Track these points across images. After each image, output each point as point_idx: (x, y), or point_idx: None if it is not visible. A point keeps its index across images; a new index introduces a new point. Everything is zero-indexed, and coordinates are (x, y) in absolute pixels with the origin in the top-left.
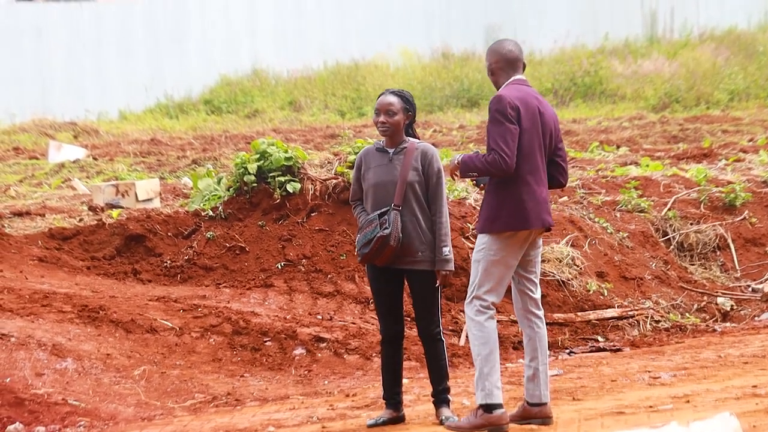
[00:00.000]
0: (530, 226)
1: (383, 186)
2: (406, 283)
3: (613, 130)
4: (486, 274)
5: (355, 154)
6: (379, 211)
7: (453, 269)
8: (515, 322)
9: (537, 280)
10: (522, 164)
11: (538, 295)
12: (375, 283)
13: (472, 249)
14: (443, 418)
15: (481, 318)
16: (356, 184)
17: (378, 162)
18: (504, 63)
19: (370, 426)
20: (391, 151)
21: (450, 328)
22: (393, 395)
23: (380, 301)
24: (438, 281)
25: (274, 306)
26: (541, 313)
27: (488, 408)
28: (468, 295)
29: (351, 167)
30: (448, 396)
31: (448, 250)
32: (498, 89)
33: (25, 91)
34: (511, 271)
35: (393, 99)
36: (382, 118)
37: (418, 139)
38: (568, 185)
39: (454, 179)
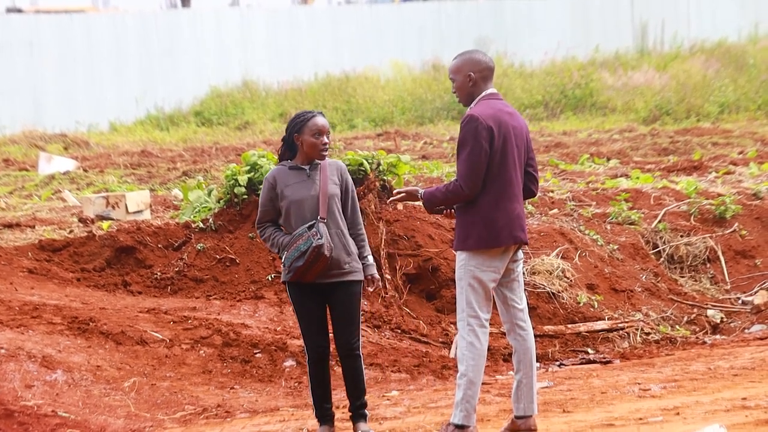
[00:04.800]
0: (501, 243)
1: (305, 201)
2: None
3: (604, 142)
4: (471, 290)
5: (349, 165)
6: (305, 225)
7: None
8: (505, 333)
9: (521, 292)
10: (493, 183)
11: (523, 306)
12: (301, 301)
13: None
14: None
15: (474, 338)
16: (269, 204)
17: (295, 179)
18: (487, 72)
19: None
20: (306, 167)
21: (440, 340)
22: (325, 411)
23: (309, 320)
24: (370, 286)
25: (264, 318)
26: (527, 324)
27: (462, 426)
28: (458, 315)
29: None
30: (366, 411)
31: (371, 258)
32: (469, 102)
33: (15, 103)
34: (494, 284)
35: (325, 120)
36: (325, 140)
37: None
38: (558, 197)
39: (397, 205)
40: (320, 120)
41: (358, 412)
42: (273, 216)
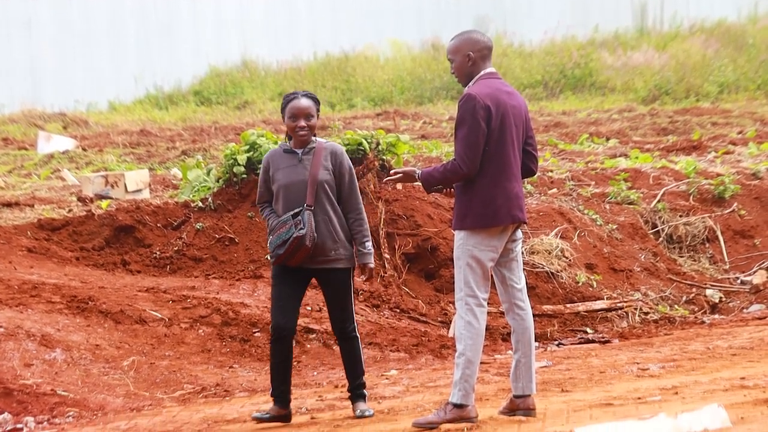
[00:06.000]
0: (499, 222)
1: (294, 187)
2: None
3: (603, 122)
4: (469, 270)
5: (345, 145)
6: (291, 212)
7: (374, 263)
8: (504, 313)
9: (520, 271)
10: (491, 162)
11: (522, 285)
12: (280, 281)
13: None
14: (359, 411)
15: (472, 317)
16: (264, 186)
17: (287, 163)
18: (486, 51)
19: (255, 419)
20: (299, 151)
21: (439, 319)
22: (282, 392)
23: (278, 301)
24: (364, 275)
25: (263, 297)
26: (525, 304)
27: (460, 406)
28: (456, 294)
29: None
30: (365, 391)
31: (369, 245)
32: (468, 81)
33: (14, 82)
34: (492, 263)
35: (308, 102)
36: (302, 123)
37: (323, 139)
38: (557, 177)
39: (395, 184)
40: (298, 102)
41: (356, 392)
42: (268, 197)
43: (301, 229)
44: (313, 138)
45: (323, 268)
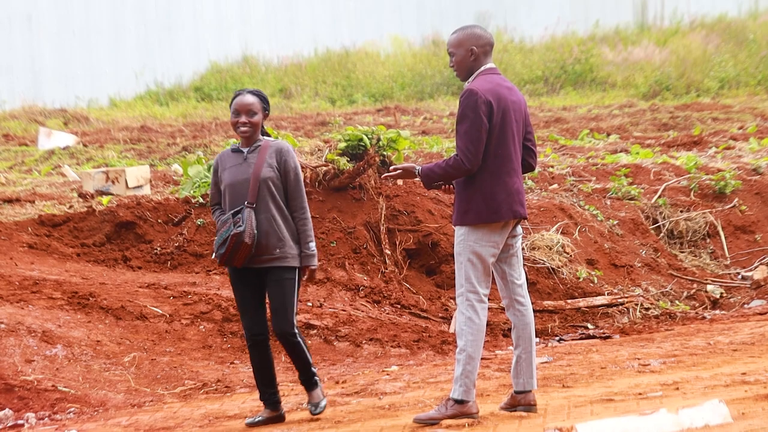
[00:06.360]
0: (501, 217)
1: (238, 185)
2: None
3: (604, 117)
4: (470, 266)
5: (346, 141)
6: (233, 210)
7: (317, 265)
8: (504, 309)
9: (520, 267)
10: (492, 158)
11: (522, 281)
12: (236, 285)
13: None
14: (312, 406)
15: (473, 313)
16: (214, 187)
17: (233, 162)
18: (488, 47)
19: (249, 424)
20: (245, 150)
21: (440, 315)
22: (269, 395)
23: (242, 303)
24: (305, 277)
25: None
26: (526, 300)
27: (461, 401)
28: (457, 290)
29: (341, 154)
30: (316, 378)
31: (313, 246)
32: (467, 76)
33: (15, 78)
34: (493, 259)
35: (253, 99)
36: (243, 119)
37: (272, 138)
38: (558, 173)
39: (395, 180)
40: (242, 99)
41: (308, 383)
42: (218, 199)
43: (239, 226)
44: (261, 137)
45: (267, 267)
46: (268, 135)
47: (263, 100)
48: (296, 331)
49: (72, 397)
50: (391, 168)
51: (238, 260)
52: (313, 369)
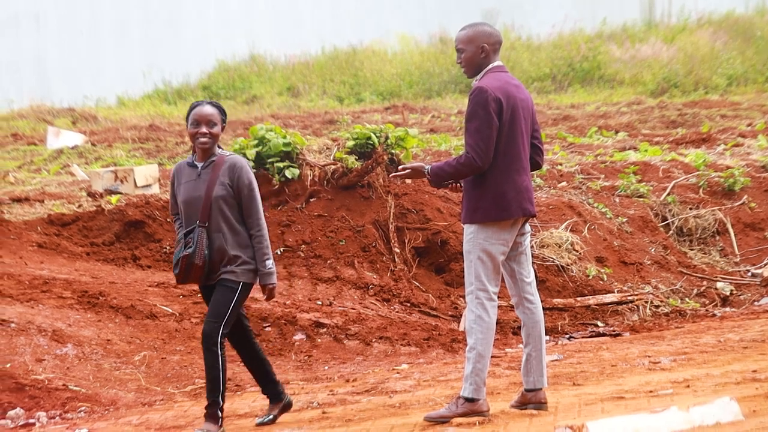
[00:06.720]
0: (510, 215)
1: (192, 202)
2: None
3: (612, 115)
4: (480, 264)
5: (354, 140)
6: (185, 230)
7: (276, 282)
8: (514, 307)
9: (529, 265)
10: (501, 155)
11: (531, 279)
12: (204, 299)
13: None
14: None
15: (482, 311)
16: (173, 199)
17: (187, 178)
18: (498, 45)
19: (259, 424)
20: (200, 165)
21: (449, 313)
22: (270, 388)
23: None
24: (265, 296)
25: None
26: (535, 298)
27: (471, 400)
28: (467, 288)
29: (350, 153)
30: (217, 410)
31: (270, 263)
32: (475, 73)
33: (23, 78)
34: (503, 257)
35: (212, 110)
36: (203, 129)
37: (226, 152)
38: (566, 170)
39: (404, 180)
40: (202, 109)
41: (209, 407)
42: (177, 209)
43: (190, 248)
44: (218, 150)
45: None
46: (221, 147)
47: (222, 112)
48: (220, 340)
49: (83, 395)
50: (400, 167)
51: (192, 280)
52: (220, 399)
